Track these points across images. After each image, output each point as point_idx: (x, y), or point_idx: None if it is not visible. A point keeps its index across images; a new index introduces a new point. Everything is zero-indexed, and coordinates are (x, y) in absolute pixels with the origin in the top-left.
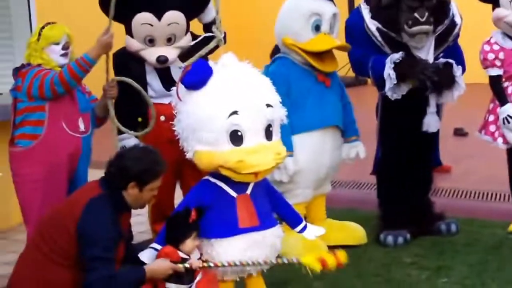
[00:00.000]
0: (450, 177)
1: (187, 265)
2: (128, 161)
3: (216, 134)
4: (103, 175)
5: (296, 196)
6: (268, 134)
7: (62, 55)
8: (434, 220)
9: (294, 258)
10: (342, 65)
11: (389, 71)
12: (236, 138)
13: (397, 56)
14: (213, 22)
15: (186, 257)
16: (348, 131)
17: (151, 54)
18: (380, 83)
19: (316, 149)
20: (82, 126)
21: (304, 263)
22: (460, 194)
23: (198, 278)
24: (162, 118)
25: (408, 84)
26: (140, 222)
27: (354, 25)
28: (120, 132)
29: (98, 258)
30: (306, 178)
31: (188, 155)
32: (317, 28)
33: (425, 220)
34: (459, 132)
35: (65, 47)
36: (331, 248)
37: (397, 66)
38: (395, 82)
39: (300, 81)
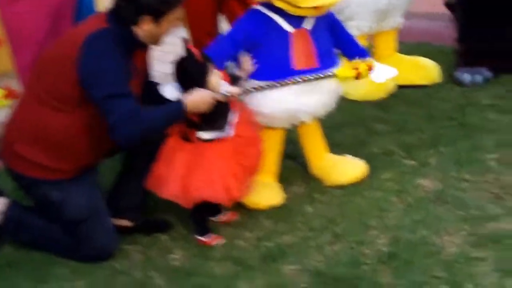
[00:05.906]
0: None
1: (227, 93)
2: None
3: None
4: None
5: (350, 28)
6: None
7: None
8: None
9: (329, 71)
10: None
11: None
12: None
13: None
14: None
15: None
16: None
17: None
18: None
19: None
20: None
21: (338, 74)
22: None
23: (234, 120)
24: None
25: None
26: None
27: None
28: None
29: (109, 97)
30: (361, 10)
31: None
32: None
33: (509, 56)
34: None
35: None
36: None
37: None
38: None
39: None
